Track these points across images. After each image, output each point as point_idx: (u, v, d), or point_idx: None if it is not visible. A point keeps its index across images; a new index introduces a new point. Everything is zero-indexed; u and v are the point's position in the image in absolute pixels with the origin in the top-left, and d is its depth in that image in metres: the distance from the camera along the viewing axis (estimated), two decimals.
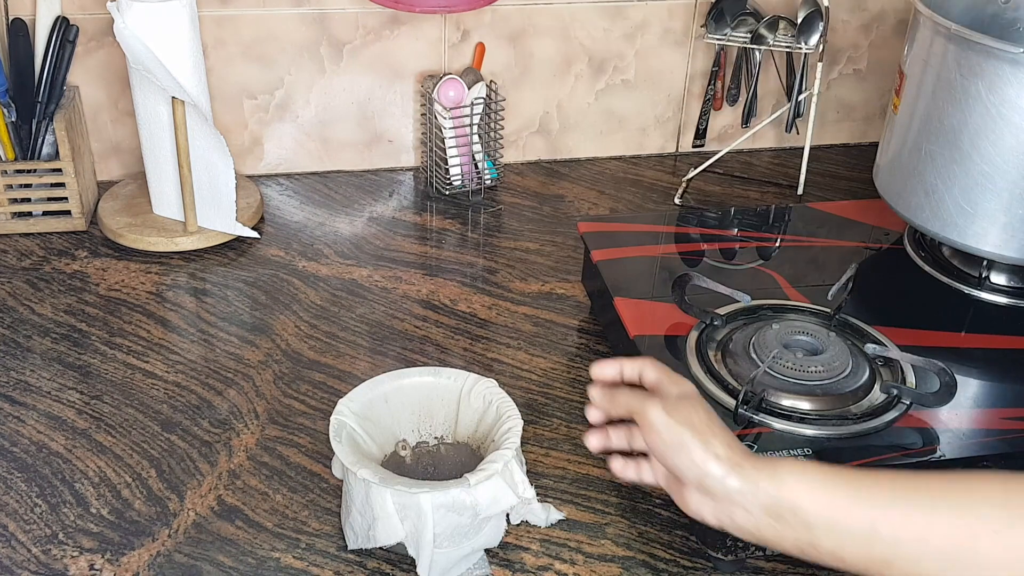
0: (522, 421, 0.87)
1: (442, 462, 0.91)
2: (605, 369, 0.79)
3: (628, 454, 0.78)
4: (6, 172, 1.26)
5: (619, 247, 1.15)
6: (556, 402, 1.05)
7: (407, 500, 0.80)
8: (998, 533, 0.62)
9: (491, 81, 1.38)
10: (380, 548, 0.87)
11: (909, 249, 1.17)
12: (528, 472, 0.91)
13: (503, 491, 0.82)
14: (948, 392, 0.90)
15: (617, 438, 0.79)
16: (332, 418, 0.87)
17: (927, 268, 1.14)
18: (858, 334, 1.00)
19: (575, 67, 1.46)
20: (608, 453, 0.79)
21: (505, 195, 1.43)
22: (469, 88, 1.37)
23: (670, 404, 0.73)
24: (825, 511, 0.66)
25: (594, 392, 0.78)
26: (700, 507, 0.72)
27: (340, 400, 0.89)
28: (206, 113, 1.23)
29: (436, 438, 0.93)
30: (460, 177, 1.40)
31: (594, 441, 0.79)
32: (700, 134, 1.52)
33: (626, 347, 1.03)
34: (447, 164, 1.39)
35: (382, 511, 0.81)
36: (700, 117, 1.51)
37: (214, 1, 1.31)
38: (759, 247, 1.19)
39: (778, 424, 0.89)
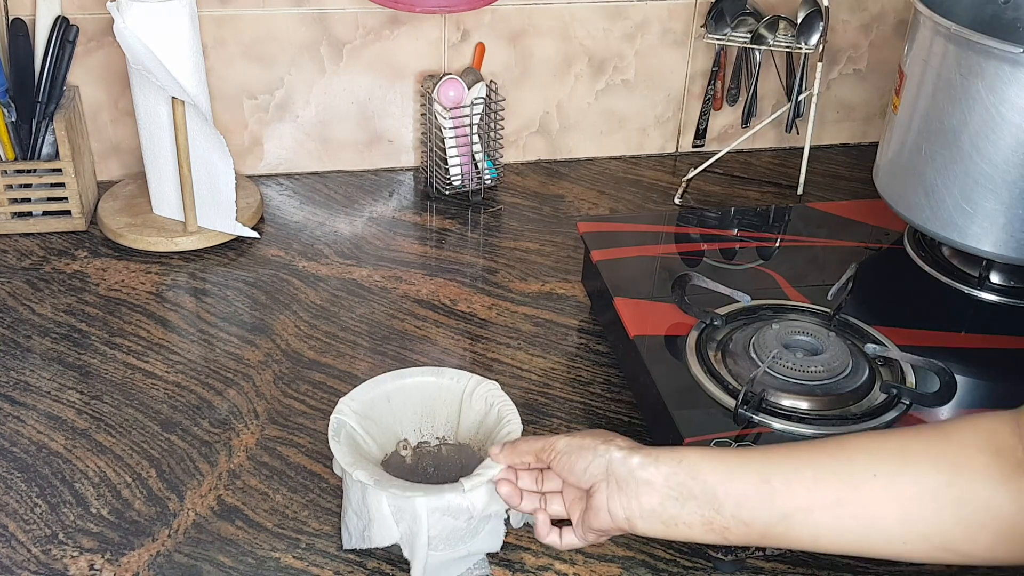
0: (522, 425, 0.87)
1: (443, 463, 0.91)
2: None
3: (557, 523, 0.81)
4: (6, 172, 1.26)
5: (619, 247, 1.15)
6: (556, 402, 1.05)
7: (402, 503, 0.80)
8: (875, 476, 0.68)
9: (491, 81, 1.38)
10: (377, 548, 0.87)
11: (909, 249, 1.17)
12: None
13: (498, 495, 0.82)
14: (948, 392, 0.90)
15: (526, 481, 0.81)
16: (332, 417, 0.87)
17: (927, 268, 1.14)
18: (858, 334, 1.00)
19: (575, 67, 1.46)
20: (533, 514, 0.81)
21: (505, 195, 1.43)
22: (469, 88, 1.37)
23: (572, 433, 0.78)
24: (723, 474, 0.71)
25: (499, 456, 0.81)
26: (609, 503, 0.74)
27: (341, 399, 0.89)
28: (206, 113, 1.23)
29: (438, 439, 0.93)
30: (460, 177, 1.40)
31: (505, 488, 0.80)
32: (700, 134, 1.52)
33: (626, 347, 1.03)
34: (447, 164, 1.39)
35: (378, 513, 0.81)
36: (700, 117, 1.51)
37: (214, 1, 1.31)
38: (759, 247, 1.19)
39: (778, 424, 0.89)
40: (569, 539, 0.79)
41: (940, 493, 0.67)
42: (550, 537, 0.80)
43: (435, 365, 1.08)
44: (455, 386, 0.92)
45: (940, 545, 0.67)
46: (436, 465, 0.91)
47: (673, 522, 0.72)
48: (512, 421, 0.87)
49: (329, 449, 0.98)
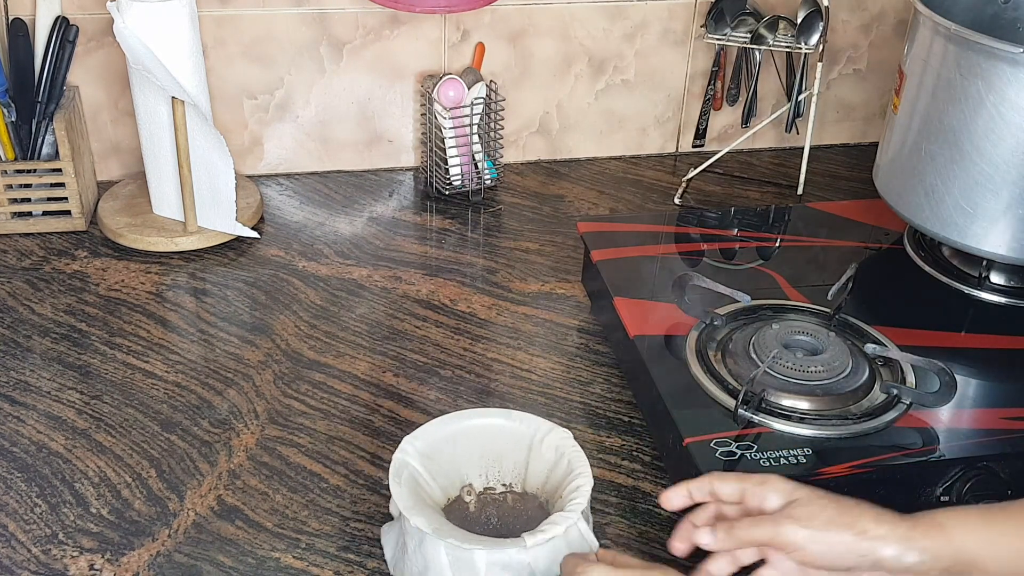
0: (592, 480, 0.81)
1: (507, 513, 0.86)
2: (674, 499, 0.76)
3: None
4: (6, 172, 1.26)
5: (619, 247, 1.15)
6: (556, 402, 1.05)
7: (460, 554, 0.76)
8: None
9: (491, 81, 1.38)
10: (379, 548, 0.87)
11: (909, 249, 1.17)
12: None
13: (563, 553, 0.77)
14: (948, 392, 0.90)
15: (721, 568, 0.75)
16: (395, 456, 0.83)
17: (927, 268, 1.14)
18: (858, 334, 1.00)
19: (575, 67, 1.46)
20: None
21: (505, 195, 1.43)
22: (469, 88, 1.37)
23: (796, 514, 0.70)
24: (1005, 562, 0.68)
25: (709, 539, 0.73)
26: None
27: (404, 437, 0.84)
28: (206, 113, 1.23)
29: (504, 485, 0.88)
30: (460, 177, 1.40)
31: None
32: (700, 134, 1.52)
33: (626, 347, 1.03)
34: (447, 164, 1.39)
35: (435, 561, 0.77)
36: (700, 117, 1.51)
37: (214, 1, 1.31)
38: (759, 247, 1.19)
39: (778, 424, 0.89)
40: None
41: None
42: None
43: (441, 369, 1.08)
44: (524, 431, 0.87)
45: None
46: (500, 515, 0.86)
47: None
48: (583, 475, 0.82)
49: (330, 449, 0.98)
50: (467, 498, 0.86)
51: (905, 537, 0.69)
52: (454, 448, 0.86)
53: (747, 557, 0.74)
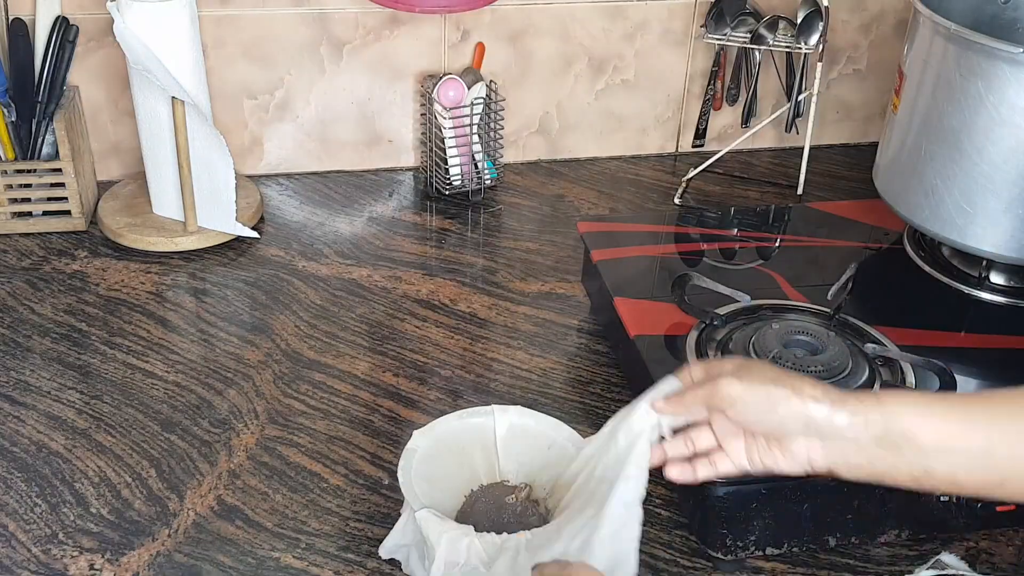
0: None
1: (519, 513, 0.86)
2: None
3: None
4: (6, 172, 1.26)
5: (619, 247, 1.15)
6: (556, 402, 1.05)
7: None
8: None
9: (491, 81, 1.38)
10: (379, 548, 0.87)
11: (909, 249, 1.17)
12: None
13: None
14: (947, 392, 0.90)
15: (678, 448, 0.77)
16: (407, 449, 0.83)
17: (927, 268, 1.14)
18: (858, 334, 1.00)
19: (575, 67, 1.46)
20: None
21: (505, 195, 1.43)
22: (469, 88, 1.37)
23: (737, 373, 0.72)
24: (939, 436, 0.67)
25: (660, 404, 0.76)
26: (809, 453, 0.70)
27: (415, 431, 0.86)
28: (206, 113, 1.23)
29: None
30: (460, 177, 1.40)
31: (676, 472, 0.77)
32: (700, 134, 1.52)
33: (626, 347, 1.03)
34: (447, 164, 1.39)
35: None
36: (700, 117, 1.51)
37: (214, 1, 1.31)
38: (759, 247, 1.19)
39: None
40: (725, 467, 0.75)
41: None
42: (683, 476, 0.76)
43: (441, 369, 1.08)
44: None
45: None
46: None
47: (879, 477, 0.70)
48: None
49: (329, 448, 0.98)
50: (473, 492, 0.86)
51: (839, 399, 0.69)
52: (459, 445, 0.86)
53: (703, 441, 0.76)
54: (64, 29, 1.25)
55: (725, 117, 1.54)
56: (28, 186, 1.28)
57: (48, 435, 0.99)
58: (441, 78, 1.36)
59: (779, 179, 1.49)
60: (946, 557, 0.86)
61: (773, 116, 1.49)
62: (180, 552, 0.87)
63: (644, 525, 0.91)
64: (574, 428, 0.88)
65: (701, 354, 0.97)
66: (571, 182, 1.47)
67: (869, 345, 0.97)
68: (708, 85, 1.48)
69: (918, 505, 0.88)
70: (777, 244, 1.21)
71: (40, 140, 1.27)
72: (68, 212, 1.29)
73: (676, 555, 0.89)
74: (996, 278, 1.11)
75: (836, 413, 0.69)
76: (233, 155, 1.25)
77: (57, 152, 1.26)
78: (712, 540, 0.86)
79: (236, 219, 1.27)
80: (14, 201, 1.28)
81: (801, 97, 1.43)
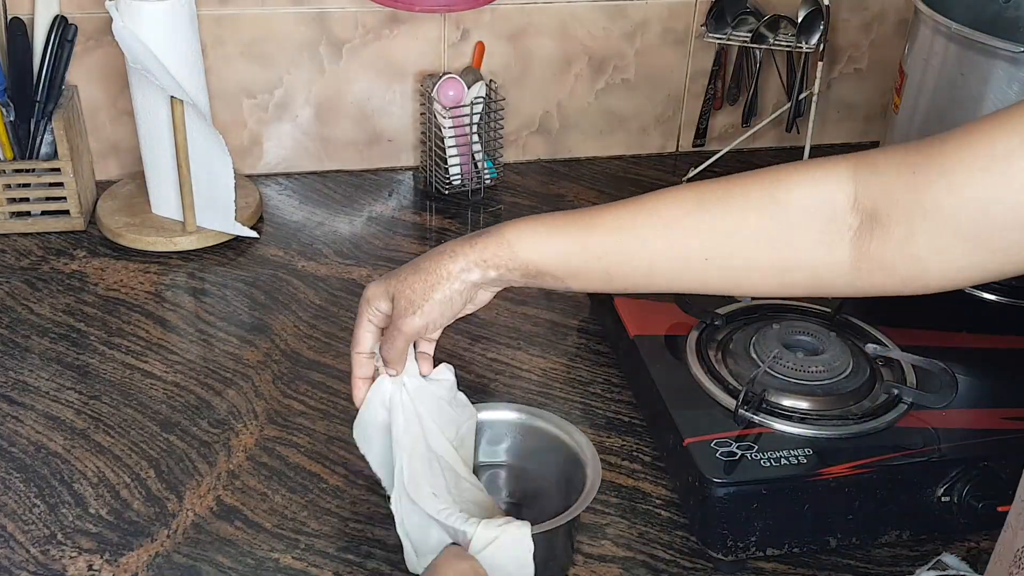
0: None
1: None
2: (361, 393, 0.84)
3: None
4: (4, 172, 1.26)
5: None
6: (555, 402, 1.05)
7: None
8: (657, 235, 0.75)
9: (491, 80, 1.38)
10: (379, 548, 0.87)
11: None
12: None
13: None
14: (948, 392, 0.90)
15: (367, 369, 0.83)
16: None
17: None
18: (858, 334, 1.00)
19: (575, 66, 1.46)
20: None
21: (505, 195, 1.42)
22: (469, 87, 1.36)
23: (400, 309, 0.80)
24: (563, 268, 0.77)
25: (385, 385, 0.83)
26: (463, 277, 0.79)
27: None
28: (205, 112, 1.22)
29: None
30: (460, 177, 1.40)
31: (361, 391, 0.83)
32: (700, 134, 1.52)
33: (626, 347, 1.03)
34: (447, 164, 1.38)
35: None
36: (700, 117, 1.51)
37: (213, 0, 1.31)
38: None
39: (778, 424, 0.89)
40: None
41: (768, 274, 0.74)
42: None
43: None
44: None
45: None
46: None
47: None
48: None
49: (328, 449, 0.98)
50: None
51: (480, 262, 0.78)
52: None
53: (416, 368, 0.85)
54: (63, 28, 1.25)
55: (726, 117, 1.53)
56: (27, 186, 1.28)
57: (47, 435, 0.99)
58: (441, 77, 1.36)
59: None
60: (947, 558, 0.86)
61: (774, 116, 1.49)
62: (179, 553, 0.87)
63: (645, 525, 0.91)
64: (573, 425, 0.89)
65: (701, 354, 0.97)
66: (571, 182, 1.47)
67: (870, 345, 0.97)
68: (709, 85, 1.48)
69: (919, 506, 0.88)
70: None
71: (39, 140, 1.27)
72: (67, 212, 1.28)
73: (676, 556, 0.89)
74: None
75: (487, 274, 0.78)
76: (232, 155, 1.24)
77: (56, 152, 1.26)
78: (712, 541, 0.86)
79: (235, 219, 1.26)
80: (12, 201, 1.28)
81: (802, 96, 1.43)
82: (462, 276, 0.78)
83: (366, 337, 0.82)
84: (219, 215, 1.26)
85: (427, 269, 0.79)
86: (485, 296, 0.82)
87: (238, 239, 1.28)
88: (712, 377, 0.94)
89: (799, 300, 1.05)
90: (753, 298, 1.04)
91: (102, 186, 1.37)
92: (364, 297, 0.81)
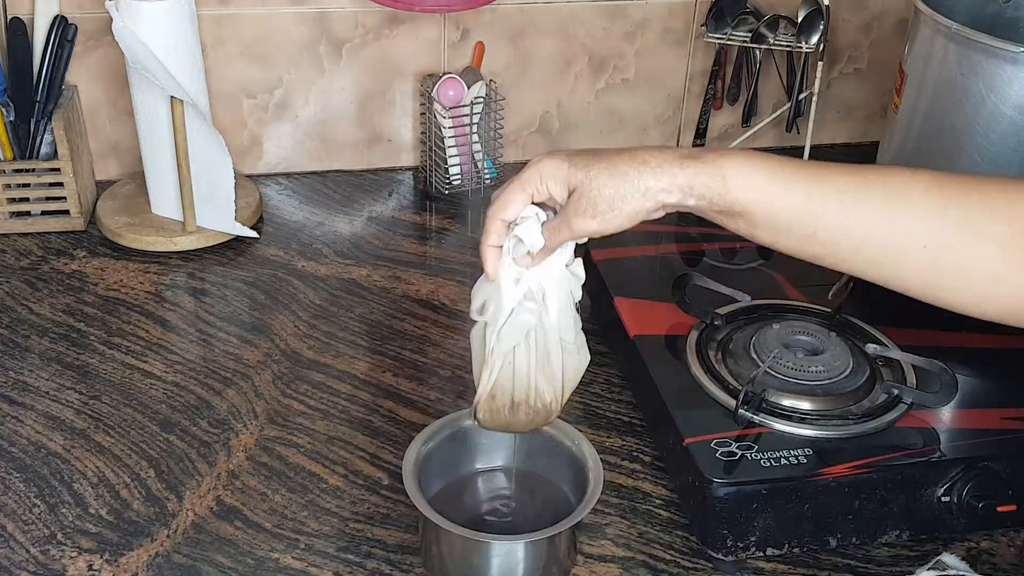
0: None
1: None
2: (491, 263, 0.79)
3: None
4: (4, 172, 1.26)
5: (619, 247, 1.14)
6: None
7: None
8: (883, 210, 0.70)
9: (491, 80, 1.38)
10: (379, 548, 0.87)
11: None
12: None
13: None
14: (949, 392, 0.90)
15: (503, 237, 0.78)
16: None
17: None
18: (859, 334, 1.00)
19: (575, 66, 1.46)
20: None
21: None
22: (469, 87, 1.36)
23: (580, 208, 0.74)
24: (772, 216, 0.71)
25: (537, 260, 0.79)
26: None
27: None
28: (205, 112, 1.22)
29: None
30: (460, 177, 1.40)
31: (493, 261, 0.78)
32: (700, 133, 1.52)
33: (626, 347, 1.03)
34: (447, 164, 1.38)
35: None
36: (700, 116, 1.51)
37: (213, 0, 1.31)
38: (759, 247, 1.19)
39: (778, 424, 0.89)
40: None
41: (974, 280, 0.71)
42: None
43: (441, 369, 1.08)
44: None
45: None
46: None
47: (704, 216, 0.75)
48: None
49: (328, 449, 0.98)
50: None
51: (686, 187, 0.71)
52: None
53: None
54: (63, 28, 1.25)
55: (725, 116, 1.53)
56: (27, 186, 1.28)
57: (47, 435, 0.99)
58: (441, 77, 1.36)
59: None
60: (947, 558, 0.86)
61: (774, 115, 1.49)
62: (179, 553, 0.87)
63: (645, 525, 0.91)
64: (574, 428, 0.88)
65: (701, 354, 0.97)
66: None
67: (870, 345, 0.97)
68: (708, 84, 1.48)
69: (919, 506, 0.88)
70: None
71: (39, 140, 1.27)
72: (67, 212, 1.28)
73: (676, 556, 0.89)
74: None
75: (686, 199, 0.72)
76: (232, 155, 1.24)
77: (56, 152, 1.26)
78: (712, 540, 0.86)
79: (235, 219, 1.26)
80: (12, 201, 1.28)
81: (802, 96, 1.43)
82: (659, 196, 0.72)
83: (517, 207, 0.75)
84: (219, 215, 1.26)
85: (624, 175, 0.71)
86: (658, 215, 0.75)
87: (238, 239, 1.28)
88: (712, 377, 0.94)
89: (799, 300, 1.05)
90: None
91: (102, 186, 1.37)
92: (537, 167, 0.74)
